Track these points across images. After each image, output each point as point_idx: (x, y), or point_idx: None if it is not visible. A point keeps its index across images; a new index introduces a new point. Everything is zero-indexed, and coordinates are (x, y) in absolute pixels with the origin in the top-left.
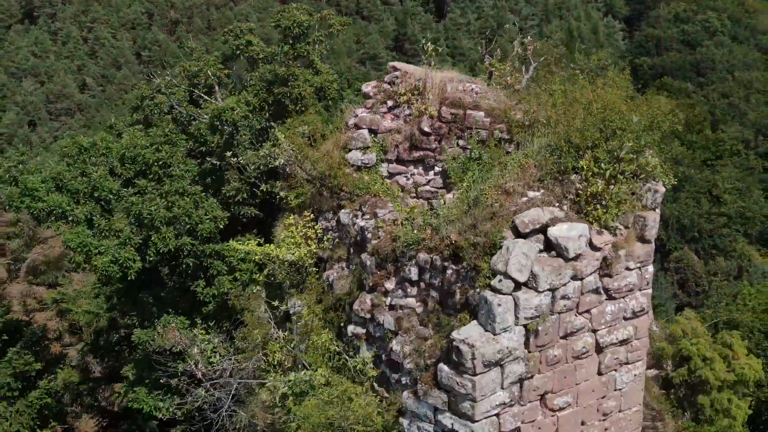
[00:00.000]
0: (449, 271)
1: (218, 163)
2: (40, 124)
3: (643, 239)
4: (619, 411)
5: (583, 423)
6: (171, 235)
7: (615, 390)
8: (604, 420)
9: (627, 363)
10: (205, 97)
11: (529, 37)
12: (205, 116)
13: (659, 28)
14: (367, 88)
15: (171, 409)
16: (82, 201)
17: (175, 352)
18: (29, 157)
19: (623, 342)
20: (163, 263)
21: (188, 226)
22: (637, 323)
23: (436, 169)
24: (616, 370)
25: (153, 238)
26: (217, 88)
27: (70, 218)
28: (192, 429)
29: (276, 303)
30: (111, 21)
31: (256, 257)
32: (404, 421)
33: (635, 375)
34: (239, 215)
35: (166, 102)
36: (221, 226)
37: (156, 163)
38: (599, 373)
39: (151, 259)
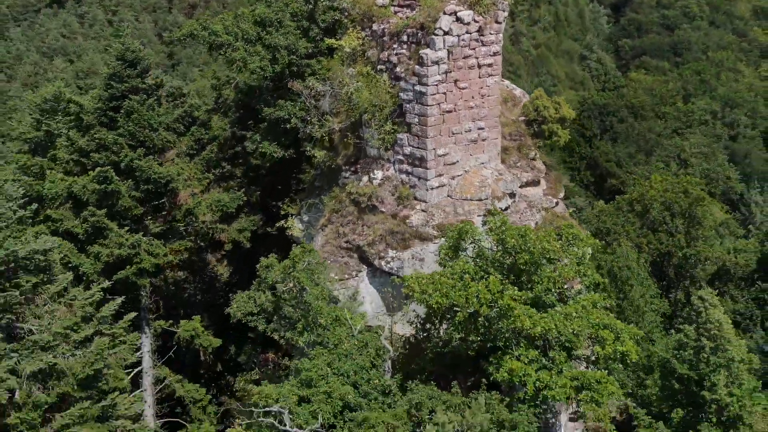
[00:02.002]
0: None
1: None
2: None
3: (497, 21)
4: (489, 96)
5: (472, 97)
6: None
7: (486, 85)
8: (481, 99)
9: (491, 75)
10: None
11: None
12: None
13: (641, 13)
14: None
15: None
16: None
17: None
18: None
19: (489, 65)
20: None
21: None
22: (494, 59)
23: None
24: (487, 76)
25: None
26: None
27: None
28: None
29: None
30: (134, 5)
31: None
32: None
33: (495, 80)
34: None
35: None
36: None
37: None
38: (479, 77)
39: None
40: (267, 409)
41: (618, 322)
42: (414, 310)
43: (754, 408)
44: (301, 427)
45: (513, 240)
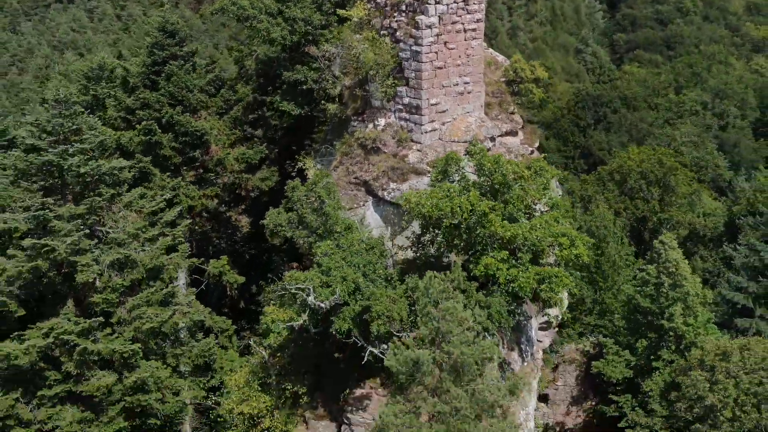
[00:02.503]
0: None
1: None
2: None
3: None
4: (473, 56)
5: (459, 57)
6: None
7: (471, 46)
8: (467, 58)
9: (475, 38)
10: None
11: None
12: None
13: (636, 9)
14: None
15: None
16: None
17: None
18: None
19: (473, 30)
20: None
21: None
22: (478, 25)
23: None
24: (472, 39)
25: None
26: None
27: None
28: None
29: None
30: (142, 0)
31: None
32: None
33: (478, 43)
34: None
35: None
36: None
37: None
38: (465, 40)
39: None
40: (297, 286)
41: (573, 231)
42: (411, 234)
43: (708, 336)
44: (322, 302)
45: (489, 164)
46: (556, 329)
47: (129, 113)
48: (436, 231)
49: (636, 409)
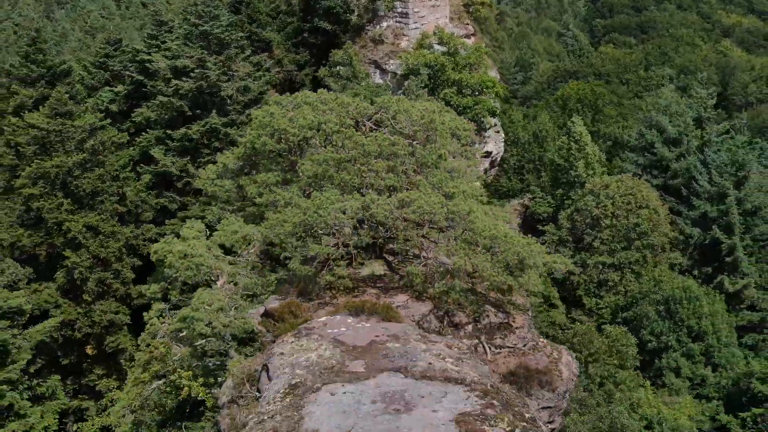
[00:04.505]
0: None
1: None
2: None
3: None
4: None
5: None
6: None
7: None
8: None
9: None
10: None
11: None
12: None
13: None
14: None
15: None
16: None
17: None
18: None
19: None
20: None
21: None
22: None
23: None
24: None
25: None
26: None
27: None
28: None
29: None
30: None
31: None
32: None
33: None
34: None
35: None
36: None
37: None
38: None
39: None
40: None
41: (496, 80)
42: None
43: (602, 179)
44: None
45: (446, 38)
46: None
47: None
48: (416, 75)
49: (553, 228)
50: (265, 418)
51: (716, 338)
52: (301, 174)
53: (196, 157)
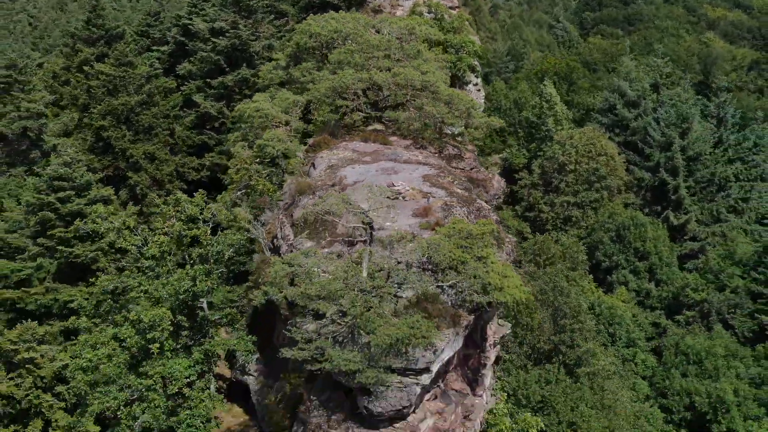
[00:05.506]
0: None
1: None
2: None
3: None
4: None
5: None
6: None
7: None
8: None
9: None
10: None
11: None
12: None
13: None
14: None
15: None
16: None
17: None
18: None
19: None
20: None
21: None
22: None
23: None
24: None
25: None
26: None
27: None
28: None
29: None
30: None
31: None
32: None
33: None
34: None
35: None
36: None
37: None
38: None
39: None
40: None
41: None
42: None
43: (568, 132)
44: None
45: (439, 9)
46: None
47: None
48: None
49: (527, 175)
50: (316, 177)
51: (658, 258)
52: (328, 63)
53: (229, 101)
